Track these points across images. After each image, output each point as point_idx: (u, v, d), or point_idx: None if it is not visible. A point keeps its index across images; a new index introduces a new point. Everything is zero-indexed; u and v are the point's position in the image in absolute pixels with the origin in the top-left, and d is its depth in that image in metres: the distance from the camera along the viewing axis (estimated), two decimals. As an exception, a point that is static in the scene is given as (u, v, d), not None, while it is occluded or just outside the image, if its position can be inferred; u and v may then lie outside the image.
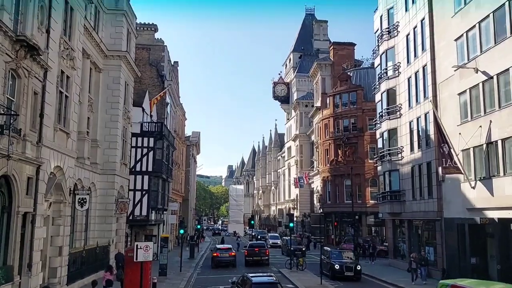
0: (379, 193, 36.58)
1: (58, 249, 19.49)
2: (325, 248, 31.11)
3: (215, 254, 33.49)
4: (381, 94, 34.25)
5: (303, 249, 39.05)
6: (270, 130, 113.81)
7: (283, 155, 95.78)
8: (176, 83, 55.21)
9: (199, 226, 51.62)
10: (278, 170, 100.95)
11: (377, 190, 47.51)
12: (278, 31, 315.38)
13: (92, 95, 27.37)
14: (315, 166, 59.63)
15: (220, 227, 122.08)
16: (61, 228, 19.77)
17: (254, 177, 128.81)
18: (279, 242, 49.39)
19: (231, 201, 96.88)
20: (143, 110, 34.02)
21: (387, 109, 33.07)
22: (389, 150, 32.72)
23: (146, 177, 32.62)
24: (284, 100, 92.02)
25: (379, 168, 35.95)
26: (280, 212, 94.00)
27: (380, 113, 34.29)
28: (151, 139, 32.95)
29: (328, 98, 53.37)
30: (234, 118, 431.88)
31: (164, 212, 39.12)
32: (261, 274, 19.73)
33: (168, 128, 40.93)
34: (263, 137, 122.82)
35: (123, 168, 30.43)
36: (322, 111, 53.05)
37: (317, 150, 57.53)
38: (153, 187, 32.92)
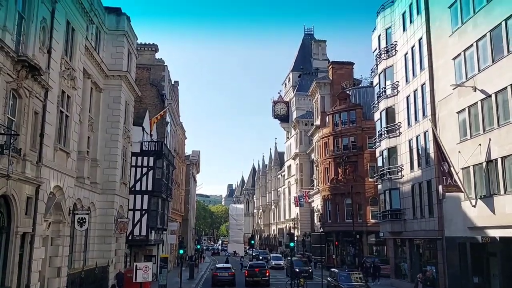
0: (379, 212, 36.43)
1: (57, 270, 19.29)
2: (332, 270, 30.19)
3: (215, 274, 33.97)
4: (380, 112, 34.39)
5: (310, 270, 38.54)
6: (270, 149, 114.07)
7: (283, 173, 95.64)
8: (176, 102, 55.48)
9: (198, 246, 51.16)
10: (278, 189, 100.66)
11: (377, 209, 47.33)
12: (278, 51, 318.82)
13: (92, 115, 27.46)
14: (315, 185, 59.50)
15: (219, 247, 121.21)
16: (60, 249, 19.60)
17: (254, 196, 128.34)
18: (282, 263, 48.61)
19: (231, 220, 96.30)
20: (143, 129, 34.10)
21: (386, 127, 33.17)
22: (389, 168, 32.70)
23: (145, 197, 32.49)
24: (284, 118, 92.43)
25: (379, 186, 35.86)
26: (280, 232, 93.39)
27: (380, 132, 34.39)
28: (151, 158, 32.93)
29: (327, 117, 53.57)
30: (234, 137, 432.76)
31: (164, 232, 38.85)
32: None
33: (168, 147, 40.97)
34: (263, 156, 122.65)
35: (123, 188, 30.35)
36: (322, 130, 53.20)
37: (317, 168, 57.47)
38: (152, 207, 32.77)
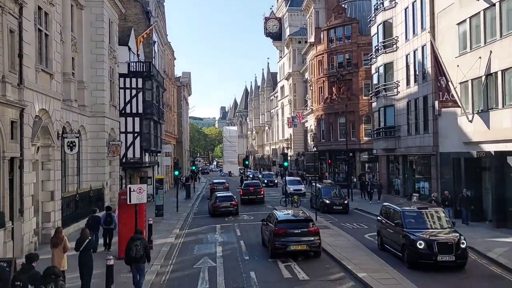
0: (373, 130, 36.33)
1: (50, 193, 19.17)
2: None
3: (215, 205, 28.01)
4: (377, 26, 33.01)
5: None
6: (263, 69, 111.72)
7: (276, 94, 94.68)
8: (163, 20, 53.08)
9: (194, 167, 51.60)
10: (271, 110, 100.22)
11: (371, 127, 47.40)
12: None
13: (75, 34, 26.01)
14: (308, 105, 59.01)
15: (213, 167, 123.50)
16: (51, 173, 19.34)
17: (247, 118, 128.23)
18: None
19: (225, 142, 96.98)
20: (129, 49, 32.69)
21: (383, 42, 32.00)
22: (384, 85, 32.03)
23: (137, 119, 31.97)
24: (276, 36, 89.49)
25: (373, 104, 35.42)
26: (274, 152, 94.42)
27: (376, 47, 33.25)
28: (139, 80, 31.96)
29: (322, 33, 51.70)
30: (226, 58, 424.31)
31: (158, 154, 38.85)
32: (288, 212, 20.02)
33: (157, 68, 39.71)
34: (256, 77, 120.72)
35: (113, 110, 29.67)
36: (316, 47, 51.60)
37: (311, 88, 56.62)
38: (144, 129, 32.36)
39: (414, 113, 28.24)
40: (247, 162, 47.45)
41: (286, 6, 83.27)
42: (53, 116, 19.36)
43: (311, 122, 56.86)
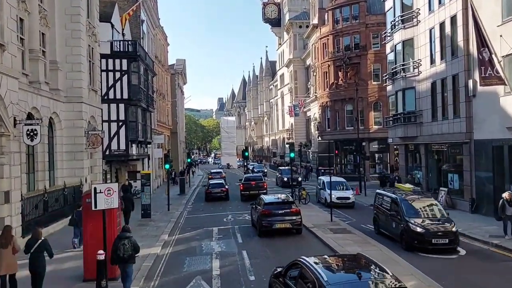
0: (387, 116, 32.58)
1: (4, 194, 15.35)
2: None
3: (207, 191, 32.45)
4: (394, -1, 29.08)
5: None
6: (261, 58, 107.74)
7: (275, 83, 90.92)
8: (154, 1, 48.93)
9: (189, 160, 47.76)
10: (271, 100, 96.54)
11: (380, 115, 43.67)
12: None
13: (45, 5, 22.05)
14: (312, 92, 55.12)
15: (210, 160, 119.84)
16: (5, 168, 15.49)
17: (246, 109, 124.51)
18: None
19: (222, 133, 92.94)
20: (113, 26, 28.70)
21: (401, 16, 28.07)
22: (403, 65, 28.17)
23: (121, 106, 28.09)
24: (275, 22, 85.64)
25: (389, 88, 31.60)
26: (274, 143, 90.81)
27: (393, 22, 29.32)
28: (124, 61, 28.03)
29: (326, 14, 47.70)
30: (222, 48, 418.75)
31: (148, 145, 35.00)
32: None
33: (146, 50, 35.72)
34: (254, 66, 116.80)
35: (93, 95, 25.75)
36: (320, 29, 47.60)
37: (314, 74, 52.70)
38: (130, 117, 28.50)
39: (441, 95, 24.42)
40: (247, 154, 43.66)
41: (285, -11, 79.26)
42: (7, 97, 15.49)
43: (314, 110, 53.01)
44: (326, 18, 48.12)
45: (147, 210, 22.63)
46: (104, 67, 27.71)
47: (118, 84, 28.04)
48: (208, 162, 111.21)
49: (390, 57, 31.39)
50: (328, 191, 23.07)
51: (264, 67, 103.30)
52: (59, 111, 22.73)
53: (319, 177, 30.51)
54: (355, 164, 44.37)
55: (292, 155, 27.25)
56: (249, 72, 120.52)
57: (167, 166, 26.96)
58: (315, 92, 51.42)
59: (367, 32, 43.36)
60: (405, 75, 27.84)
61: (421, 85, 26.67)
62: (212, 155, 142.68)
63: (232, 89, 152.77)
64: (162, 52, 56.22)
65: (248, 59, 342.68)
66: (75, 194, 22.33)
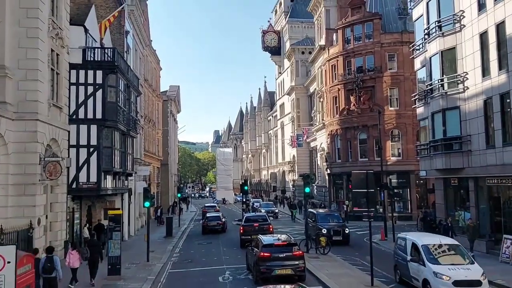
0: (419, 144, 27.20)
1: None
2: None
3: (205, 224, 32.90)
4: (427, 2, 24.18)
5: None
6: (259, 89, 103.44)
7: (274, 114, 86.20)
8: (145, 19, 44.31)
9: (179, 195, 41.89)
10: (269, 131, 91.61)
11: (399, 145, 38.36)
12: None
13: (-11, -6, 16.96)
14: (318, 119, 49.90)
15: (207, 194, 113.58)
16: None
17: (243, 141, 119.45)
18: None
19: (218, 166, 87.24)
20: (86, 31, 23.50)
21: (438, 22, 23.08)
22: (441, 80, 22.96)
23: (93, 128, 22.54)
24: (275, 51, 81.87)
25: (420, 110, 26.31)
26: (273, 176, 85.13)
27: (426, 31, 24.31)
28: (99, 73, 22.68)
29: (335, 34, 43.14)
30: (220, 81, 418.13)
31: (130, 177, 29.27)
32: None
33: (131, 66, 30.55)
34: (251, 98, 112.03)
35: (55, 113, 20.24)
36: (328, 50, 42.84)
37: (321, 99, 47.65)
38: (105, 142, 22.90)
39: (500, 114, 19.07)
40: (246, 188, 37.92)
41: (286, 18, 76.01)
42: None
43: (321, 140, 47.63)
44: (334, 38, 43.57)
45: (116, 264, 16.68)
46: (74, 80, 22.35)
47: (90, 101, 22.59)
48: (203, 197, 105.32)
49: (421, 73, 26.32)
50: (430, 266, 13.43)
51: (262, 97, 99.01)
52: (4, 130, 17.17)
53: (402, 236, 16.57)
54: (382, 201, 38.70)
55: (307, 190, 21.53)
56: (246, 103, 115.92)
57: (146, 203, 21.07)
58: (322, 120, 46.20)
59: (382, 52, 38.63)
60: (446, 93, 22.59)
61: (468, 104, 21.38)
62: (207, 189, 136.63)
63: (229, 121, 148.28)
64: (154, 76, 51.30)
65: (245, 92, 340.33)
66: (20, 241, 16.49)
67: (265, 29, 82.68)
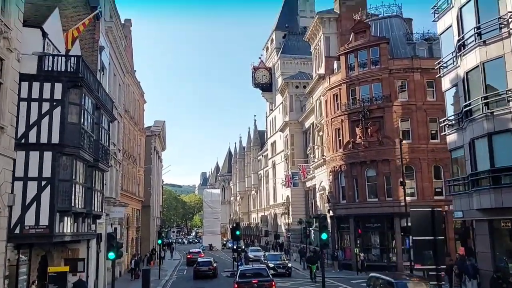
0: (451, 178, 22.63)
1: None
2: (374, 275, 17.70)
3: (196, 269, 32.57)
4: (459, 9, 20.26)
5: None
6: (249, 128, 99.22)
7: (265, 153, 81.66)
8: (128, 44, 40.20)
9: (160, 241, 36.31)
10: (259, 172, 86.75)
11: (413, 183, 33.72)
12: (253, 21, 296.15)
13: None
14: (317, 155, 45.32)
15: (193, 238, 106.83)
16: None
17: (231, 182, 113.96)
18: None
19: (205, 208, 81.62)
20: (45, 35, 18.91)
21: (477, 28, 19.05)
22: (484, 98, 18.67)
23: (47, 155, 17.54)
24: (266, 87, 78.49)
25: (451, 138, 21.93)
26: (264, 220, 79.47)
27: (460, 41, 20.25)
28: (58, 86, 17.95)
29: (335, 62, 39.46)
30: (208, 122, 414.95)
31: (98, 220, 23.90)
32: None
33: (107, 90, 25.93)
34: (240, 137, 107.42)
35: (-7, 134, 15.36)
36: (329, 78, 38.90)
37: (320, 133, 43.32)
38: (62, 174, 17.82)
39: None
40: (238, 232, 32.68)
41: (277, 54, 73.36)
42: None
43: (321, 178, 42.85)
44: (335, 66, 39.83)
45: None
46: (25, 94, 17.55)
47: (45, 121, 17.70)
48: (191, 242, 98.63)
49: (449, 94, 22.15)
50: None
51: (252, 137, 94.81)
52: None
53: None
54: (382, 248, 33.68)
55: (324, 236, 16.51)
56: (235, 143, 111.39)
57: (111, 255, 15.90)
58: (323, 155, 41.62)
59: (391, 79, 34.76)
60: (492, 113, 18.24)
61: (524, 126, 17.03)
62: (193, 234, 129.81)
63: (217, 162, 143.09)
64: (137, 109, 46.73)
65: (234, 133, 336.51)
66: None
67: (256, 66, 79.84)
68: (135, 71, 46.94)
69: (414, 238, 12.35)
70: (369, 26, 36.35)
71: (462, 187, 20.57)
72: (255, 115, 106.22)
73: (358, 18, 37.88)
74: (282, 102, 65.52)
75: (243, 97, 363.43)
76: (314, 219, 36.39)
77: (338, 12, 42.47)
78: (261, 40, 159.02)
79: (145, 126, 53.33)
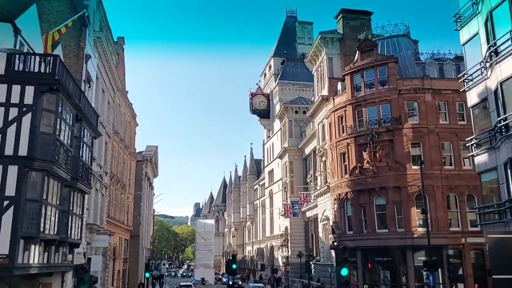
0: (483, 205, 19.86)
1: None
2: None
3: None
4: (489, 12, 18.05)
5: None
6: (245, 156, 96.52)
7: (261, 182, 78.68)
8: (120, 63, 37.91)
9: (148, 275, 32.96)
10: (255, 202, 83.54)
11: (429, 211, 30.88)
12: (250, 51, 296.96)
13: None
14: (320, 182, 42.52)
15: (186, 271, 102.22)
16: None
17: (225, 213, 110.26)
18: None
19: (198, 240, 77.76)
20: (17, 31, 16.39)
21: (513, 32, 16.79)
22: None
23: (12, 170, 14.72)
24: (264, 114, 76.47)
25: (481, 159, 19.32)
26: (259, 252, 75.64)
27: (492, 48, 17.92)
28: (29, 89, 15.32)
29: (339, 83, 37.29)
30: (202, 152, 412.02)
31: (76, 249, 20.80)
32: None
33: (93, 105, 23.29)
34: (236, 166, 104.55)
35: None
36: (334, 100, 36.59)
37: (323, 159, 40.68)
38: (30, 193, 14.95)
39: None
40: (234, 266, 29.48)
41: (276, 80, 71.72)
42: None
43: (324, 207, 39.91)
44: (339, 88, 37.64)
45: None
46: (-11, 98, 14.89)
47: (11, 129, 14.96)
48: (184, 276, 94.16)
49: (477, 110, 19.69)
50: None
51: (248, 165, 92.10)
52: None
53: None
54: (394, 285, 30.55)
55: (344, 271, 13.60)
56: (230, 172, 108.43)
57: (80, 293, 12.93)
58: (326, 182, 38.85)
59: (400, 100, 32.46)
60: (536, 127, 15.77)
61: None
62: (185, 266, 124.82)
63: (211, 192, 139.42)
64: (128, 132, 44.05)
65: (229, 163, 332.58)
66: None
67: (253, 92, 78.08)
68: (127, 92, 44.59)
69: (494, 277, 9.37)
70: (376, 45, 34.33)
71: (499, 215, 17.84)
72: (251, 143, 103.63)
73: (361, 38, 35.97)
74: (280, 128, 63.15)
75: (239, 127, 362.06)
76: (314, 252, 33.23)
77: (342, 32, 40.60)
78: (258, 66, 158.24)
79: (136, 151, 50.64)
